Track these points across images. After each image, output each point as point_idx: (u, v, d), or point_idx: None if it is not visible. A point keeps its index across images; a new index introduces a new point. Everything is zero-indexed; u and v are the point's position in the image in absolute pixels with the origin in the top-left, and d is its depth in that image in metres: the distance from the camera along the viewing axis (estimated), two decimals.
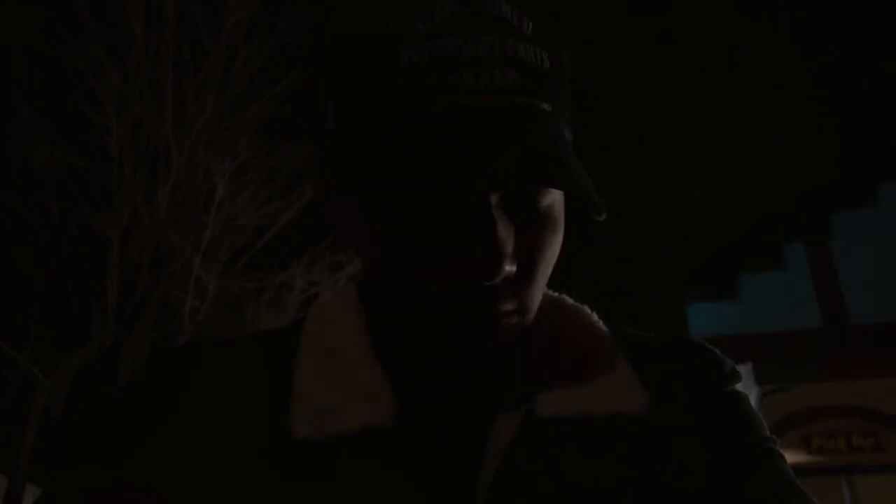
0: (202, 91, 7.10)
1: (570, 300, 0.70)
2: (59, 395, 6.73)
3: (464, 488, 0.56)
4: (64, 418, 6.73)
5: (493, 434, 0.58)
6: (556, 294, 0.70)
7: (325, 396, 0.59)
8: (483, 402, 0.60)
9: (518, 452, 0.56)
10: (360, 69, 0.54)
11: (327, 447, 0.56)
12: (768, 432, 0.63)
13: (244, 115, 7.27)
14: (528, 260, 0.55)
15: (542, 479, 0.56)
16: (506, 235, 0.52)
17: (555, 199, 0.58)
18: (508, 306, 0.55)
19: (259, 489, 0.55)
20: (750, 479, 0.58)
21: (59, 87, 7.01)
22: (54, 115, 7.03)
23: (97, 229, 6.85)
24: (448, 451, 0.57)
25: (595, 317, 0.68)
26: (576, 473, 0.56)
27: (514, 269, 0.53)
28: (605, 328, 0.67)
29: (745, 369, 7.92)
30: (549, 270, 0.59)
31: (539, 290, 0.58)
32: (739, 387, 0.66)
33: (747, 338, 8.31)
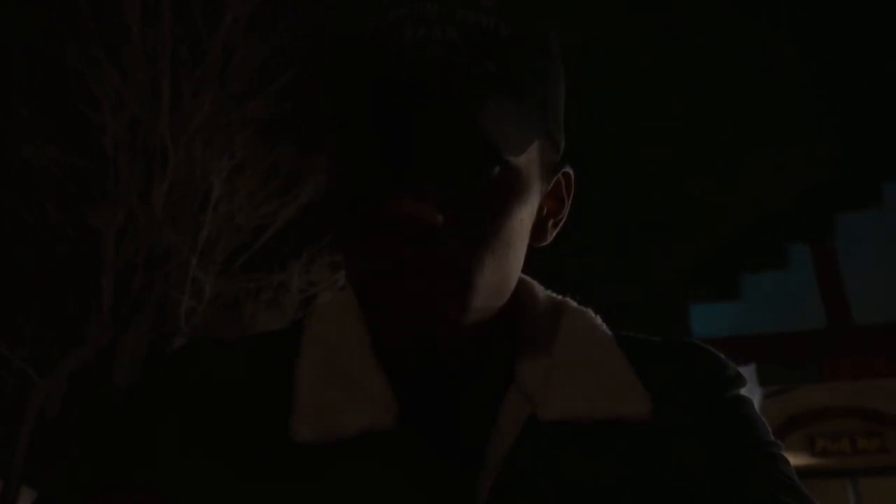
0: (200, 88, 7.05)
1: (573, 303, 0.70)
2: (54, 395, 6.68)
3: (465, 491, 0.55)
4: (60, 419, 6.69)
5: (494, 436, 0.58)
6: (559, 296, 0.70)
7: (327, 399, 0.59)
8: (485, 405, 0.60)
9: (520, 455, 0.56)
10: (338, 46, 0.58)
11: (329, 450, 0.56)
12: (772, 436, 0.63)
13: (242, 113, 7.22)
14: (472, 226, 0.55)
15: (543, 481, 0.56)
16: (433, 189, 0.53)
17: (517, 164, 0.57)
18: (443, 272, 0.54)
19: (260, 491, 0.55)
20: (750, 480, 0.57)
21: (57, 84, 6.97)
22: (51, 114, 6.99)
23: (93, 228, 6.81)
24: (450, 454, 0.57)
25: (599, 320, 0.69)
26: (577, 476, 0.56)
27: (440, 218, 0.53)
28: (608, 331, 0.68)
29: (747, 370, 7.86)
30: (509, 245, 0.58)
31: (492, 266, 0.56)
32: (743, 391, 0.66)
33: (750, 338, 8.25)
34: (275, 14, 7.34)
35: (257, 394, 0.61)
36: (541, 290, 0.70)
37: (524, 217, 0.59)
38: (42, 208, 6.95)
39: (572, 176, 0.68)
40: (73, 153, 6.83)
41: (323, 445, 0.56)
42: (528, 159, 0.59)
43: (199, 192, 7.10)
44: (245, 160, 7.23)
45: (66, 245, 7.04)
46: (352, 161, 0.56)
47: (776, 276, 9.01)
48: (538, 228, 0.65)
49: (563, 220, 0.68)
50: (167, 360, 0.67)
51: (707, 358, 0.67)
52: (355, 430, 0.56)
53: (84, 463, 0.60)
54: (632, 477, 0.57)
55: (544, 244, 0.67)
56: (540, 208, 0.64)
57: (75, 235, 7.00)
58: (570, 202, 0.68)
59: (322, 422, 0.57)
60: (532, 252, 0.64)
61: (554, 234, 0.67)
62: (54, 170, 6.92)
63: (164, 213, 6.93)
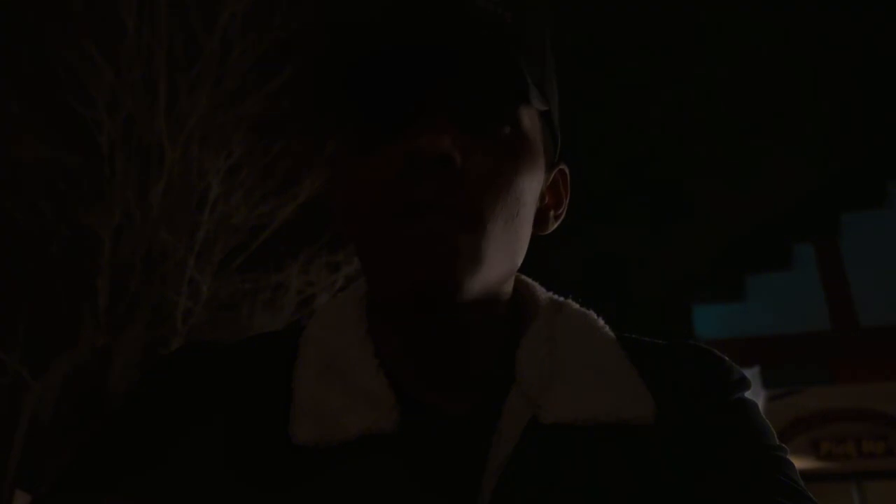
0: (196, 86, 6.98)
1: (575, 304, 0.70)
2: (48, 398, 6.61)
3: (467, 494, 0.55)
4: (55, 422, 6.62)
5: (496, 439, 0.57)
6: (561, 298, 0.70)
7: (327, 401, 0.58)
8: (487, 407, 0.60)
9: (522, 458, 0.56)
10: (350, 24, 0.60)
11: (329, 453, 0.55)
12: (777, 440, 0.62)
13: (239, 111, 7.15)
14: (487, 172, 0.56)
15: (545, 484, 0.55)
16: (450, 127, 0.54)
17: (527, 130, 0.59)
18: (460, 210, 0.54)
19: (259, 493, 0.55)
20: (754, 484, 0.57)
21: (52, 83, 6.91)
22: (46, 112, 6.94)
23: (89, 228, 6.75)
24: (451, 457, 0.57)
25: (601, 321, 0.68)
26: (580, 479, 0.56)
27: (457, 155, 0.54)
28: (611, 333, 0.67)
29: (751, 372, 7.79)
30: (519, 203, 0.58)
31: (503, 218, 0.57)
32: (748, 394, 0.66)
33: (754, 340, 8.17)
34: (273, 10, 7.28)
35: (256, 396, 0.60)
36: (542, 292, 0.70)
37: (533, 186, 0.60)
38: (37, 208, 6.89)
39: (568, 174, 0.70)
40: (65, 151, 6.77)
41: (323, 447, 0.55)
42: (535, 132, 0.61)
43: (195, 191, 7.04)
44: (242, 159, 7.17)
45: (61, 245, 6.98)
46: (363, 123, 0.58)
47: (780, 277, 8.92)
48: (541, 216, 0.66)
49: (563, 215, 0.69)
50: (166, 361, 0.66)
51: (711, 360, 0.67)
52: (355, 432, 0.56)
53: (82, 465, 0.58)
54: (634, 480, 0.56)
55: (544, 233, 0.68)
56: (542, 195, 0.65)
57: (71, 235, 6.94)
58: (567, 200, 0.70)
59: (322, 423, 0.56)
60: (534, 254, 0.65)
61: (555, 226, 0.68)
62: (50, 169, 6.87)
63: (160, 212, 6.86)
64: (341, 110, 0.60)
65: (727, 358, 0.68)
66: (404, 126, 0.55)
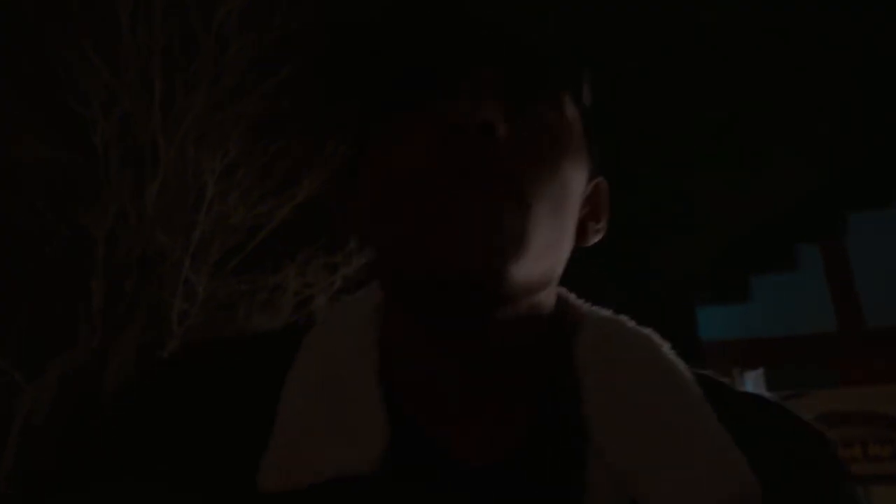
0: (192, 83, 6.90)
1: (630, 323, 0.59)
2: (43, 400, 6.52)
3: None
4: (49, 425, 6.53)
5: None
6: (607, 313, 0.61)
7: (306, 433, 0.51)
8: (539, 466, 0.50)
9: None
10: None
11: (297, 499, 0.48)
12: None
13: (236, 110, 7.07)
14: (532, 151, 0.51)
15: None
16: (494, 97, 0.51)
17: (564, 119, 0.55)
18: (503, 188, 0.48)
19: None
20: None
21: (50, 82, 6.84)
22: (41, 111, 6.87)
23: (83, 228, 6.67)
24: None
25: (667, 347, 0.57)
26: None
27: (502, 127, 0.49)
28: (686, 372, 0.56)
29: (755, 375, 7.74)
30: (565, 189, 0.52)
31: (548, 207, 0.50)
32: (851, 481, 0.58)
33: (759, 342, 8.13)
34: (272, 9, 7.22)
35: (238, 418, 0.54)
36: (586, 308, 0.61)
37: (577, 178, 0.54)
38: (31, 208, 6.82)
39: (608, 190, 0.65)
40: (59, 149, 6.71)
41: (291, 495, 0.48)
42: (578, 126, 0.56)
43: (192, 191, 6.96)
44: (239, 159, 7.11)
45: (55, 246, 6.90)
46: (398, 94, 0.53)
47: (785, 278, 8.85)
48: (581, 226, 0.59)
49: (602, 230, 0.63)
50: (153, 370, 0.63)
51: (812, 435, 0.59)
52: (330, 474, 0.48)
53: (55, 468, 0.57)
54: None
55: (584, 245, 0.61)
56: (582, 205, 0.58)
57: (66, 235, 6.86)
58: (607, 217, 0.64)
59: (293, 465, 0.49)
60: None
61: (595, 240, 0.62)
62: (49, 169, 6.80)
63: (155, 212, 6.78)
64: (370, 83, 0.56)
65: (825, 431, 0.60)
66: (444, 97, 0.50)
